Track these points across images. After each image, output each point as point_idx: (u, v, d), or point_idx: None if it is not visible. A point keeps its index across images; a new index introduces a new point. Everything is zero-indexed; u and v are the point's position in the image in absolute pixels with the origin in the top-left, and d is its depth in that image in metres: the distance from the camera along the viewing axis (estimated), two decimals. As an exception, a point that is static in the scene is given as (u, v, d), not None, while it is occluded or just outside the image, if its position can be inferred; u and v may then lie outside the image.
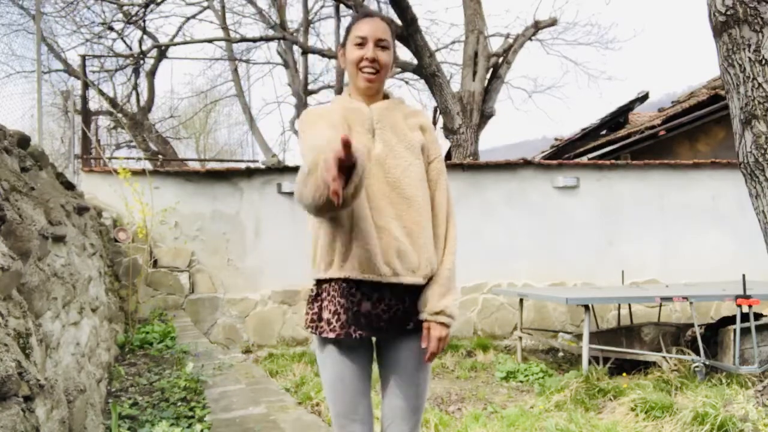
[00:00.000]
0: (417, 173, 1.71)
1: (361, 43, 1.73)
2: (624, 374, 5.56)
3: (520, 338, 6.62)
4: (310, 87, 14.10)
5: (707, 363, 5.29)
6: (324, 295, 1.71)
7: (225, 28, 12.77)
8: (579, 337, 6.17)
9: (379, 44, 1.73)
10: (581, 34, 15.05)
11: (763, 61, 3.68)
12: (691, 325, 5.83)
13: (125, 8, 11.37)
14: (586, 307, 5.60)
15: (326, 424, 3.42)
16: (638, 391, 4.44)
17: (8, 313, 1.82)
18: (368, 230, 1.62)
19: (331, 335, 1.67)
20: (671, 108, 11.94)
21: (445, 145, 10.04)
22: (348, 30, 1.80)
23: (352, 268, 1.63)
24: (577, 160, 9.59)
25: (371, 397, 1.80)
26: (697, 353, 5.39)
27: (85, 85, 8.80)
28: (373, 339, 1.79)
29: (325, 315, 1.70)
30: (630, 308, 7.19)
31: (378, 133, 1.73)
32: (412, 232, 1.67)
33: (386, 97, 1.85)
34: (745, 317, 5.27)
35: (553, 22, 11.17)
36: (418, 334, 1.68)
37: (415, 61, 9.50)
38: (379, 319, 1.66)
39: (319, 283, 1.74)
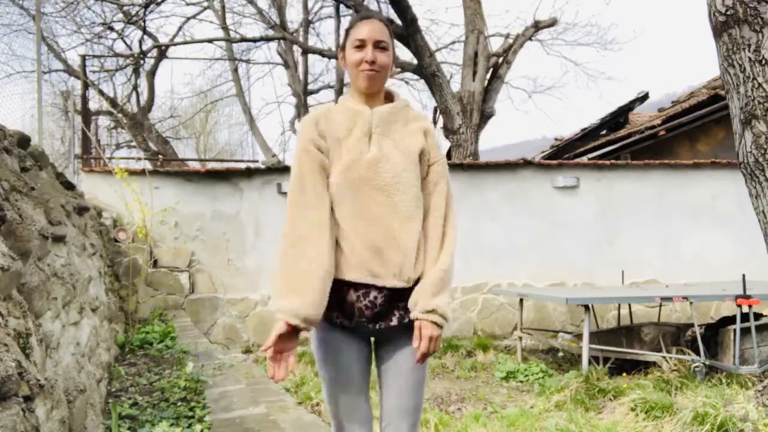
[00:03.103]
0: (409, 178, 1.72)
1: (360, 46, 1.75)
2: (624, 374, 5.56)
3: (520, 338, 6.62)
4: (310, 87, 14.10)
5: (707, 363, 5.29)
6: None
7: (225, 28, 12.76)
8: (579, 337, 6.17)
9: (378, 45, 1.75)
10: (581, 35, 15.07)
11: (763, 61, 3.68)
12: (691, 325, 5.83)
13: (125, 8, 11.36)
14: (586, 307, 5.60)
15: (326, 424, 3.42)
16: (638, 391, 4.43)
17: (8, 313, 1.82)
18: (351, 233, 1.68)
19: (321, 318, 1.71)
20: (671, 108, 11.94)
21: (445, 145, 10.03)
22: (347, 33, 1.82)
23: (338, 267, 1.68)
24: (577, 160, 9.59)
25: (370, 397, 1.81)
26: (697, 353, 5.39)
27: (85, 85, 8.80)
28: (371, 339, 1.80)
29: None
30: (630, 308, 7.19)
31: (375, 137, 1.74)
32: (396, 237, 1.68)
33: (389, 97, 1.86)
34: (745, 317, 5.26)
35: (553, 23, 11.18)
36: (413, 333, 1.69)
37: (415, 61, 9.50)
38: (362, 313, 1.68)
39: None
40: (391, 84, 1.90)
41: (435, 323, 1.64)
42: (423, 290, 1.67)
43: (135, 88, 12.44)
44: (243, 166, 8.21)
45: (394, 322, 1.70)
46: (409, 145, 1.75)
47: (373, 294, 1.68)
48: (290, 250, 1.65)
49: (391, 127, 1.77)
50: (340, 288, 1.69)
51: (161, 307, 6.65)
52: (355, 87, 1.81)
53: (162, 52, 12.60)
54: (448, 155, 9.78)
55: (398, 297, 1.70)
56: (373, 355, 1.82)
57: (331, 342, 1.74)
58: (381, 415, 1.77)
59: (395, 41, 1.85)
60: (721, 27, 3.84)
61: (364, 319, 1.69)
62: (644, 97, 12.28)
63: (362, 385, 1.76)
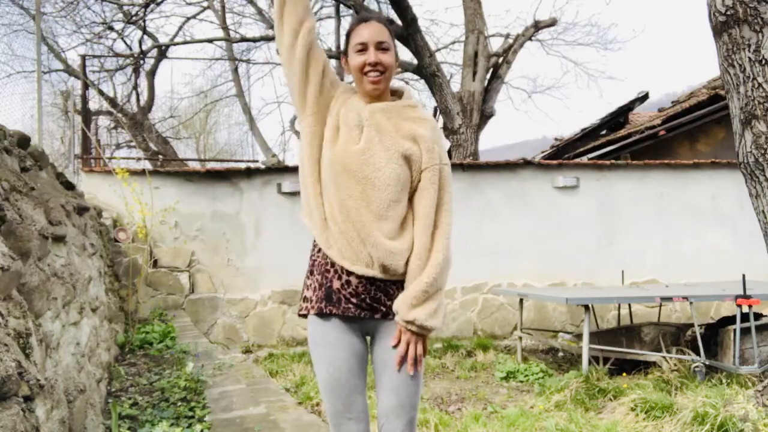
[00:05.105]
0: (391, 177, 1.71)
1: (362, 49, 1.76)
2: (624, 374, 5.56)
3: (520, 338, 6.62)
4: (310, 87, 14.02)
5: (707, 363, 5.29)
6: (313, 270, 1.80)
7: (225, 28, 12.75)
8: (579, 337, 6.17)
9: (380, 47, 1.76)
10: (581, 35, 15.03)
11: (763, 61, 3.69)
12: (691, 325, 5.83)
13: (125, 8, 11.35)
14: (586, 307, 5.60)
15: (326, 424, 3.42)
16: (638, 391, 4.44)
17: (8, 313, 1.82)
18: (334, 214, 1.73)
19: (313, 312, 1.75)
20: (671, 108, 11.94)
21: (445, 145, 10.00)
22: (347, 37, 1.83)
23: (325, 241, 1.74)
24: (577, 160, 9.59)
25: (369, 396, 1.81)
26: (697, 353, 5.39)
27: (85, 85, 8.80)
28: (367, 337, 1.82)
29: (309, 293, 1.78)
30: (630, 308, 7.19)
31: (365, 131, 1.75)
32: (363, 227, 1.69)
33: (395, 94, 1.86)
34: (745, 317, 5.27)
35: (553, 23, 11.19)
36: None
37: (415, 61, 9.51)
38: (347, 301, 1.72)
39: (314, 249, 1.81)
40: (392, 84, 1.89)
41: (413, 332, 1.68)
42: (403, 301, 1.69)
43: (135, 88, 12.43)
44: (243, 166, 8.21)
45: (379, 316, 1.73)
46: (396, 145, 1.74)
47: (354, 282, 1.71)
48: None
49: (383, 123, 1.77)
50: (325, 274, 1.74)
51: (161, 307, 6.65)
52: (361, 91, 1.81)
53: (162, 52, 12.60)
54: (448, 155, 9.76)
55: (383, 289, 1.72)
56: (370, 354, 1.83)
57: (325, 340, 1.75)
58: (378, 414, 1.78)
59: (395, 41, 1.86)
60: (721, 27, 3.85)
61: (351, 306, 1.71)
62: (644, 97, 12.28)
63: (358, 383, 1.76)
